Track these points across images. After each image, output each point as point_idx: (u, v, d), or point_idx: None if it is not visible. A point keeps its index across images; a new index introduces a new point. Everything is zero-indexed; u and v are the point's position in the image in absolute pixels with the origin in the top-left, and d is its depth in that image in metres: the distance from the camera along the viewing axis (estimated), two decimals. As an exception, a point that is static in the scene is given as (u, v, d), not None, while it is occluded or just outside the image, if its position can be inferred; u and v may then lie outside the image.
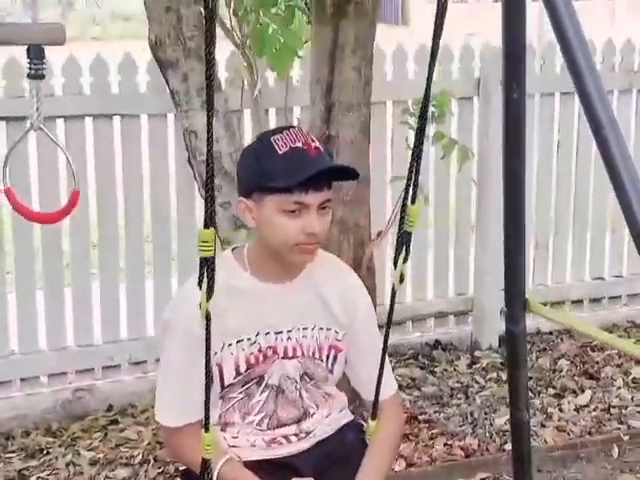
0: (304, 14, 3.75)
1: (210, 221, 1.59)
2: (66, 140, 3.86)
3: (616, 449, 3.65)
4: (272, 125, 4.16)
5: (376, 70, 3.63)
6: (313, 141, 2.08)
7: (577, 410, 3.98)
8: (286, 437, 2.24)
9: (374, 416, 2.14)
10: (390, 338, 2.09)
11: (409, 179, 1.84)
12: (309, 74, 3.63)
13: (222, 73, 4.00)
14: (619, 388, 4.17)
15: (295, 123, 4.15)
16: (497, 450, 3.61)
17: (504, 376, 4.06)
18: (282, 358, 2.19)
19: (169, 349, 2.17)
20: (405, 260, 1.92)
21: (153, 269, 4.29)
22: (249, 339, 2.14)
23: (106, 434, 3.84)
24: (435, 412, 3.96)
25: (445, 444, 3.64)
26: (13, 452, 3.70)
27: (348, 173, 2.16)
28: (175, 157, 4.11)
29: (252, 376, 2.17)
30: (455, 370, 4.45)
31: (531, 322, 4.88)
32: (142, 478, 3.49)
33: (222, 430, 2.21)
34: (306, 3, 3.80)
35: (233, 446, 2.21)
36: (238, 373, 2.15)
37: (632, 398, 4.07)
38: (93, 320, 4.17)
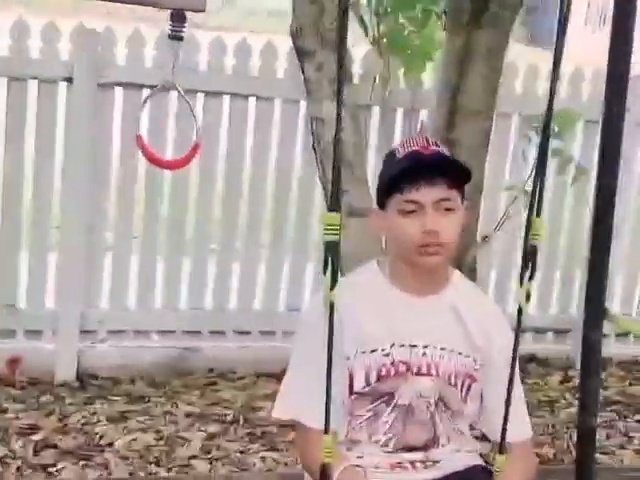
0: (439, 19, 3.89)
1: (336, 204, 1.58)
2: (204, 114, 4.13)
3: (692, 481, 3.67)
4: (398, 123, 4.34)
5: (507, 83, 3.74)
6: (434, 144, 2.08)
7: (660, 439, 4.02)
8: (412, 463, 2.15)
9: (502, 451, 1.89)
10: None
11: (534, 191, 1.81)
12: (438, 79, 3.77)
13: (356, 69, 4.19)
14: None
15: (419, 125, 4.31)
16: (571, 462, 3.67)
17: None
18: (415, 374, 2.11)
19: (299, 347, 2.14)
20: (531, 277, 1.79)
21: (268, 251, 4.51)
22: (383, 349, 2.09)
23: (204, 393, 4.09)
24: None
25: (522, 449, 3.73)
26: (117, 396, 3.99)
27: (461, 172, 2.10)
28: (302, 142, 4.32)
29: (381, 391, 2.11)
30: (546, 385, 4.53)
31: (631, 349, 4.93)
32: (231, 435, 3.72)
33: (348, 449, 2.14)
34: (445, 11, 3.93)
35: (357, 466, 2.12)
36: (368, 383, 2.09)
37: None
38: (206, 288, 4.44)
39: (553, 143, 4.08)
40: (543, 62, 4.73)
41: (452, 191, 2.06)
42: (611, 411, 4.27)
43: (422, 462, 2.15)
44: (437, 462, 2.16)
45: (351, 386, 2.09)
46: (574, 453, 3.72)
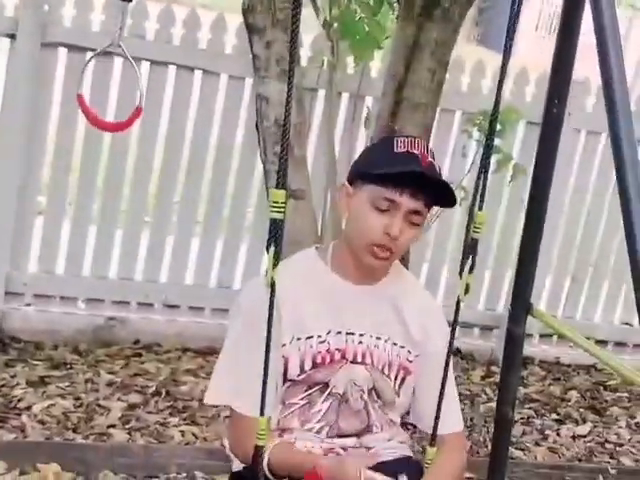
0: (391, 8, 3.91)
1: (283, 181, 1.59)
2: (148, 83, 4.09)
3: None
4: (342, 108, 4.35)
5: (452, 79, 3.76)
6: (431, 157, 2.06)
7: (574, 438, 4.11)
8: (345, 449, 2.13)
9: (433, 444, 2.02)
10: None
11: (477, 186, 1.91)
12: (386, 68, 3.79)
13: (305, 51, 4.18)
14: (620, 427, 4.29)
15: (364, 111, 4.33)
16: (487, 455, 3.73)
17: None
18: (350, 362, 2.11)
19: (234, 330, 2.11)
20: (471, 270, 1.93)
21: (203, 226, 4.49)
22: (319, 336, 2.08)
23: (128, 363, 4.06)
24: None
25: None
26: (40, 360, 3.94)
27: (445, 198, 2.10)
28: (245, 120, 4.31)
29: (316, 380, 2.10)
30: (469, 379, 4.59)
31: (554, 350, 5.03)
32: (151, 407, 3.70)
33: (279, 436, 2.11)
34: (397, 0, 3.95)
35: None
36: (302, 371, 2.08)
37: (630, 439, 4.19)
38: (138, 260, 4.40)
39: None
40: (491, 62, 4.80)
41: (425, 209, 2.07)
42: (529, 408, 4.36)
43: (355, 448, 2.14)
44: (370, 448, 2.16)
45: (285, 373, 2.08)
46: (490, 447, 3.82)
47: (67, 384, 3.75)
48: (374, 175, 2.03)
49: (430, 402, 2.02)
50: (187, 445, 3.47)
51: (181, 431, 3.55)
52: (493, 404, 4.27)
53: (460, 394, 4.30)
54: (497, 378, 4.61)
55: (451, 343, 2.00)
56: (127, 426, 3.52)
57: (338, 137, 4.38)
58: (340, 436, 2.14)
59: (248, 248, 4.54)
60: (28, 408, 3.50)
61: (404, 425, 2.32)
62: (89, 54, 3.98)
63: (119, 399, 3.70)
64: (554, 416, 4.31)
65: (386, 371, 2.14)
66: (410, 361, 2.16)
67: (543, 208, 2.26)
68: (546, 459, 3.86)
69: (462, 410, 4.05)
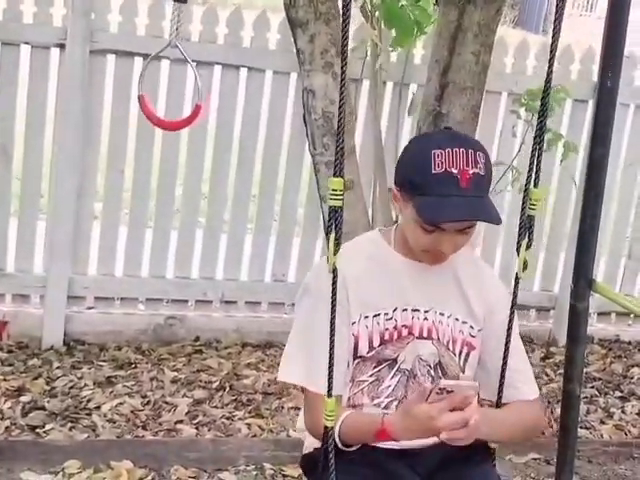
0: (433, -5, 3.92)
1: (340, 170, 1.63)
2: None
3: (670, 455, 3.76)
4: (387, 97, 4.37)
5: (497, 61, 3.76)
6: (473, 166, 1.97)
7: (639, 414, 4.08)
8: None
9: (499, 404, 2.06)
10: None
11: (531, 164, 1.92)
12: (430, 54, 3.80)
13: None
14: (685, 403, 4.26)
15: (410, 98, 4.34)
16: (552, 436, 3.74)
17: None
18: (417, 338, 2.13)
19: (302, 311, 2.13)
20: (528, 246, 1.95)
21: (256, 222, 4.53)
22: (386, 314, 2.11)
23: (190, 360, 4.13)
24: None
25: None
26: (104, 361, 4.03)
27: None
28: (291, 114, 4.34)
29: (384, 356, 2.12)
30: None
31: (613, 328, 5.00)
32: (216, 401, 3.76)
33: None
34: (437, -15, 3.96)
35: None
36: (371, 347, 2.10)
37: (695, 412, 4.16)
38: (193, 257, 4.46)
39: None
40: (532, 44, 4.79)
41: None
42: (592, 387, 4.35)
43: (406, 440, 2.09)
44: None
45: (355, 350, 2.10)
46: (555, 427, 3.82)
47: (133, 383, 3.83)
48: (415, 202, 2.00)
49: (499, 373, 2.07)
50: (254, 437, 3.52)
51: (247, 424, 3.60)
52: (555, 384, 4.28)
53: (521, 376, 4.35)
54: (557, 359, 4.63)
55: (512, 314, 2.03)
56: (194, 421, 3.58)
57: (384, 126, 4.40)
58: None
59: (300, 240, 4.58)
60: (97, 408, 3.57)
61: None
62: (137, 59, 4.07)
63: (184, 395, 3.77)
64: (617, 394, 4.30)
65: (450, 347, 2.15)
66: (473, 336, 2.17)
67: (601, 183, 2.27)
68: (612, 437, 3.85)
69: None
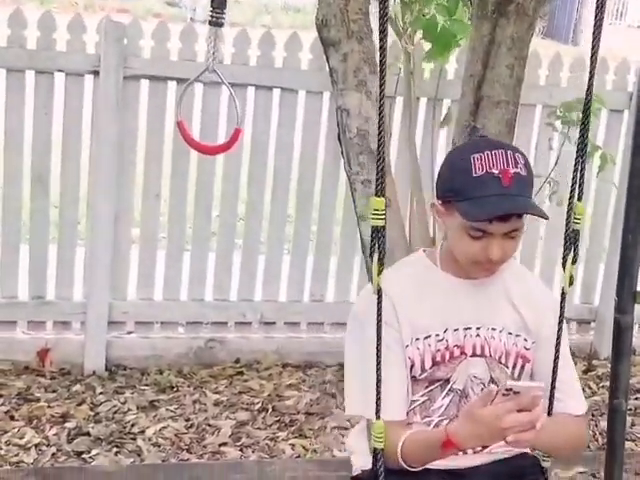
0: (466, 8, 3.92)
1: (381, 189, 1.64)
2: (228, 105, 4.17)
3: None
4: (421, 112, 4.37)
5: (530, 73, 3.76)
6: (514, 166, 1.98)
7: (683, 425, 4.04)
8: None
9: (550, 413, 2.04)
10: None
11: (574, 177, 1.91)
12: (463, 69, 3.79)
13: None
14: None
15: (444, 113, 4.33)
16: (598, 449, 3.70)
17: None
18: (470, 357, 2.12)
19: (354, 340, 2.12)
20: (574, 261, 1.94)
21: (292, 242, 4.54)
22: (437, 335, 2.10)
23: (231, 382, 4.13)
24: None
25: (549, 437, 3.76)
26: (147, 385, 4.04)
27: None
28: (325, 133, 4.35)
29: (436, 377, 2.12)
30: (571, 374, 4.54)
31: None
32: (259, 422, 3.76)
33: None
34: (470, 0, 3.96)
35: None
36: (423, 369, 2.10)
37: None
38: (232, 280, 4.47)
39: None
40: (562, 55, 4.77)
41: (521, 220, 2.03)
42: (636, 399, 4.29)
43: (472, 447, 2.10)
44: (486, 447, 2.12)
45: (410, 372, 2.09)
46: (600, 440, 3.78)
47: (176, 406, 3.84)
48: (455, 199, 2.01)
49: (548, 384, 2.05)
50: (298, 458, 3.52)
51: (291, 444, 3.60)
52: (598, 397, 4.24)
53: (564, 390, 4.31)
54: (599, 371, 4.59)
55: (559, 335, 2.03)
56: (238, 443, 3.58)
57: (418, 143, 4.39)
58: None
59: (338, 260, 4.58)
60: (142, 432, 3.59)
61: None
62: (170, 83, 4.10)
63: (227, 417, 3.77)
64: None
65: (503, 360, 2.14)
66: (527, 349, 2.16)
67: (643, 195, 2.25)
68: (662, 448, 3.81)
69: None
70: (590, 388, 4.40)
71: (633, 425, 4.04)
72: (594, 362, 4.72)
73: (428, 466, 2.04)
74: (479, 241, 2.00)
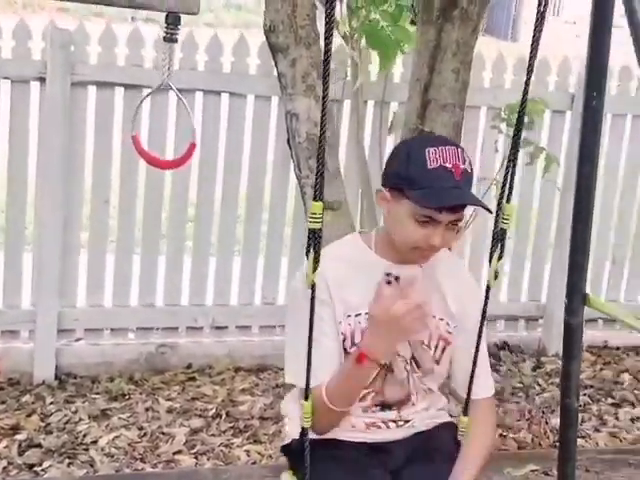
0: (410, 14, 3.95)
1: (320, 194, 1.71)
2: (176, 111, 4.15)
3: (666, 460, 3.78)
4: (369, 115, 4.40)
5: (475, 76, 3.80)
6: (463, 162, 2.15)
7: (632, 420, 4.12)
8: (385, 422, 2.29)
9: (466, 412, 2.25)
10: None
11: (505, 179, 2.01)
12: (409, 72, 3.83)
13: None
14: (677, 405, 4.29)
15: (391, 117, 4.37)
16: (549, 446, 3.76)
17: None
18: None
19: (292, 317, 2.25)
20: (500, 258, 2.07)
21: (243, 246, 4.53)
22: (367, 313, 2.20)
23: (184, 388, 4.12)
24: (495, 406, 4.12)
25: (500, 435, 3.81)
26: (98, 394, 4.01)
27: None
28: (275, 137, 4.35)
29: None
30: (519, 371, 4.61)
31: (601, 334, 5.03)
32: (214, 429, 3.75)
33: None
34: (412, 5, 4.00)
35: None
36: (353, 343, 2.21)
37: (688, 416, 4.19)
38: (182, 284, 4.45)
39: (523, 134, 4.15)
40: (495, 49, 4.81)
41: (463, 212, 2.19)
42: (584, 395, 4.37)
43: (394, 421, 2.30)
44: (408, 421, 2.32)
45: (344, 347, 2.22)
46: (551, 438, 3.84)
47: (128, 415, 3.82)
48: (407, 187, 2.14)
49: (466, 369, 2.24)
50: (254, 464, 3.52)
51: (246, 450, 3.60)
52: (548, 394, 4.31)
53: (513, 387, 4.38)
54: (548, 368, 4.66)
55: (483, 320, 2.17)
56: (193, 451, 3.57)
57: (367, 145, 4.42)
58: (382, 406, 2.29)
59: (289, 262, 4.59)
60: (94, 442, 3.56)
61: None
62: (117, 89, 4.07)
63: (181, 425, 3.76)
64: (610, 400, 4.32)
65: (426, 341, 2.28)
66: (449, 332, 2.31)
67: (591, 201, 2.28)
68: (608, 444, 3.87)
69: (518, 403, 4.16)
70: (539, 385, 4.46)
71: (583, 421, 4.11)
72: (542, 359, 4.79)
73: (351, 439, 2.25)
74: (424, 228, 2.14)
